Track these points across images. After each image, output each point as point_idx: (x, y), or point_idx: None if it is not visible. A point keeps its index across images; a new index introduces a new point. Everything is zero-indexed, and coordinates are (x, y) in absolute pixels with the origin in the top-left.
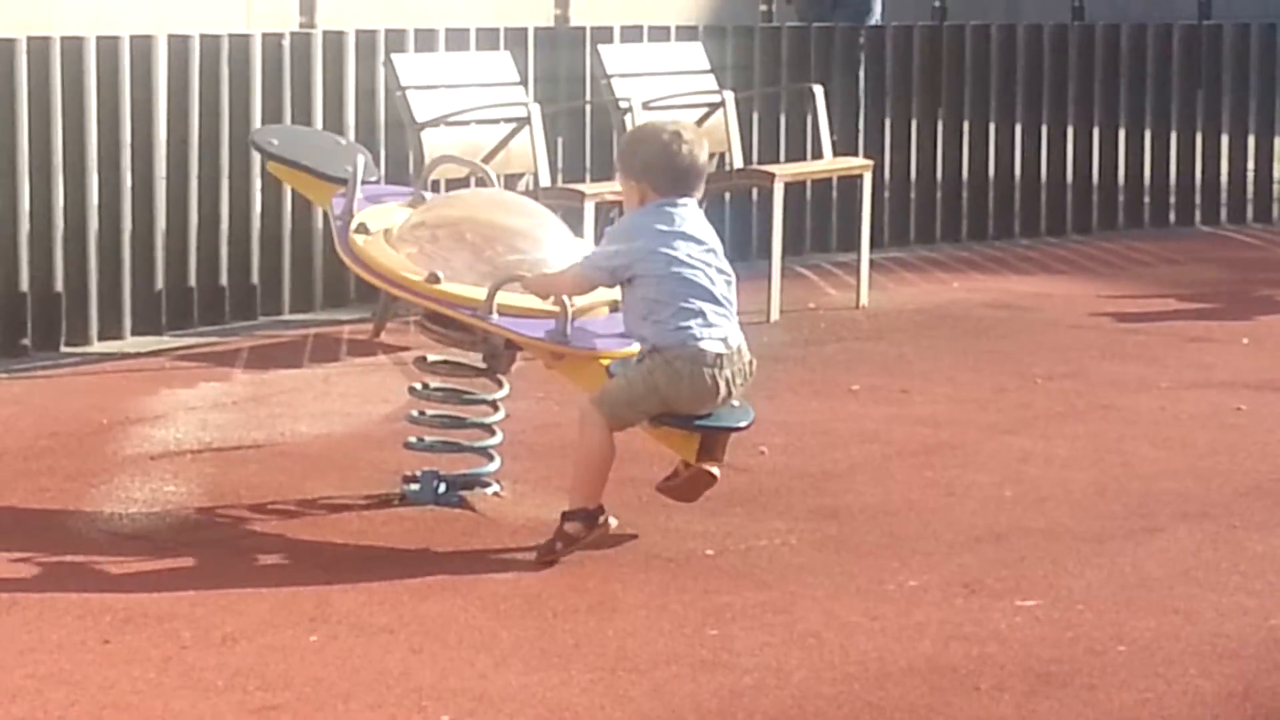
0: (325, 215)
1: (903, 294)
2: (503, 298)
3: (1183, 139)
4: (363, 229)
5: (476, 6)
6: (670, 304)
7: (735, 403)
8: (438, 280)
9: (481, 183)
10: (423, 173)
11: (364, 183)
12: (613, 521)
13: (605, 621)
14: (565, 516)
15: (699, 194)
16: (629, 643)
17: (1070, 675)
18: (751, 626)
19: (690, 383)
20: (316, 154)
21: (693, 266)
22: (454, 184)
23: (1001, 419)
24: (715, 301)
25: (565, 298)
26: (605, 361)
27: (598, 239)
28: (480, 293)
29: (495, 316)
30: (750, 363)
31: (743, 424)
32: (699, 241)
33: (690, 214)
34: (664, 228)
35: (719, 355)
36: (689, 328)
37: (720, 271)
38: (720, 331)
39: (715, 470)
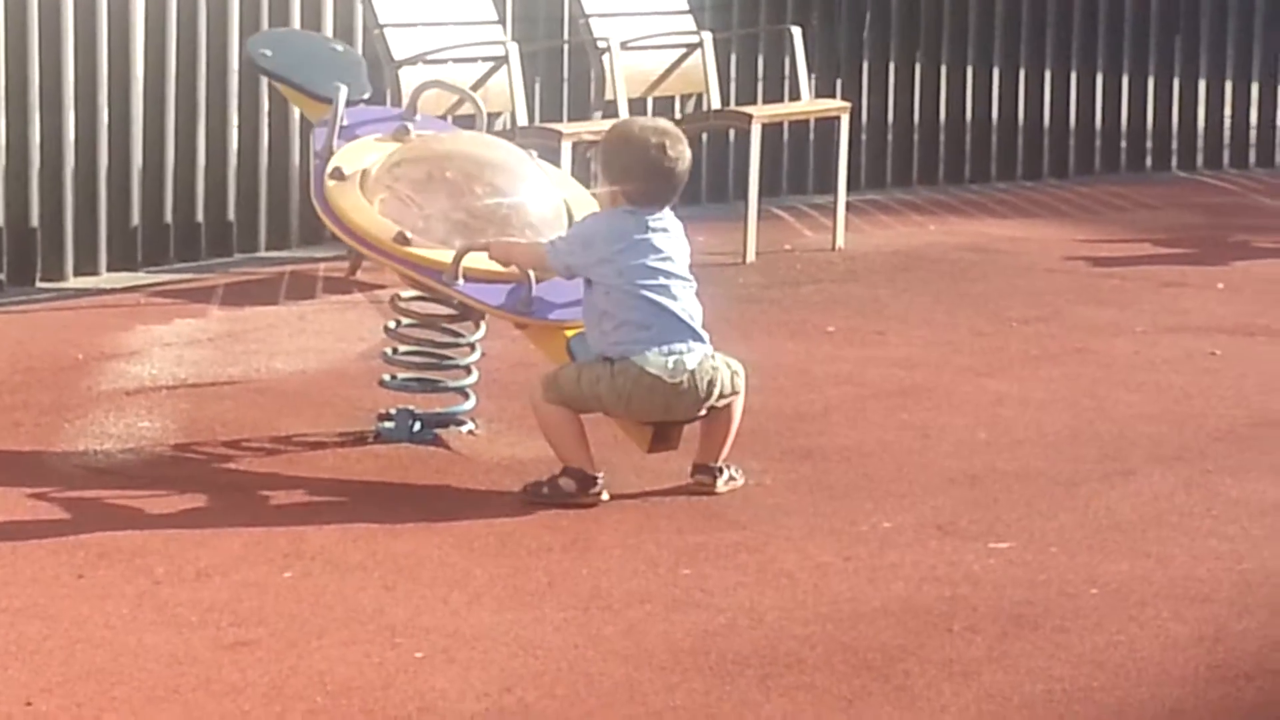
0: (303, 152)
1: (879, 236)
2: (469, 260)
3: (1160, 84)
4: (338, 174)
5: None
6: (617, 316)
7: (698, 414)
8: (406, 241)
9: (470, 125)
10: (408, 100)
11: (353, 103)
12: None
13: (579, 560)
14: (565, 470)
15: (673, 201)
16: (602, 581)
17: (1042, 617)
18: (725, 566)
19: (631, 402)
20: (309, 67)
21: (649, 281)
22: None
23: (976, 362)
24: (670, 319)
25: (529, 274)
26: (569, 332)
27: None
28: (447, 255)
29: (461, 283)
30: (709, 382)
31: (700, 413)
32: (659, 251)
33: (662, 222)
34: (634, 235)
35: (664, 382)
36: (637, 346)
37: (683, 280)
38: (671, 359)
39: (715, 486)
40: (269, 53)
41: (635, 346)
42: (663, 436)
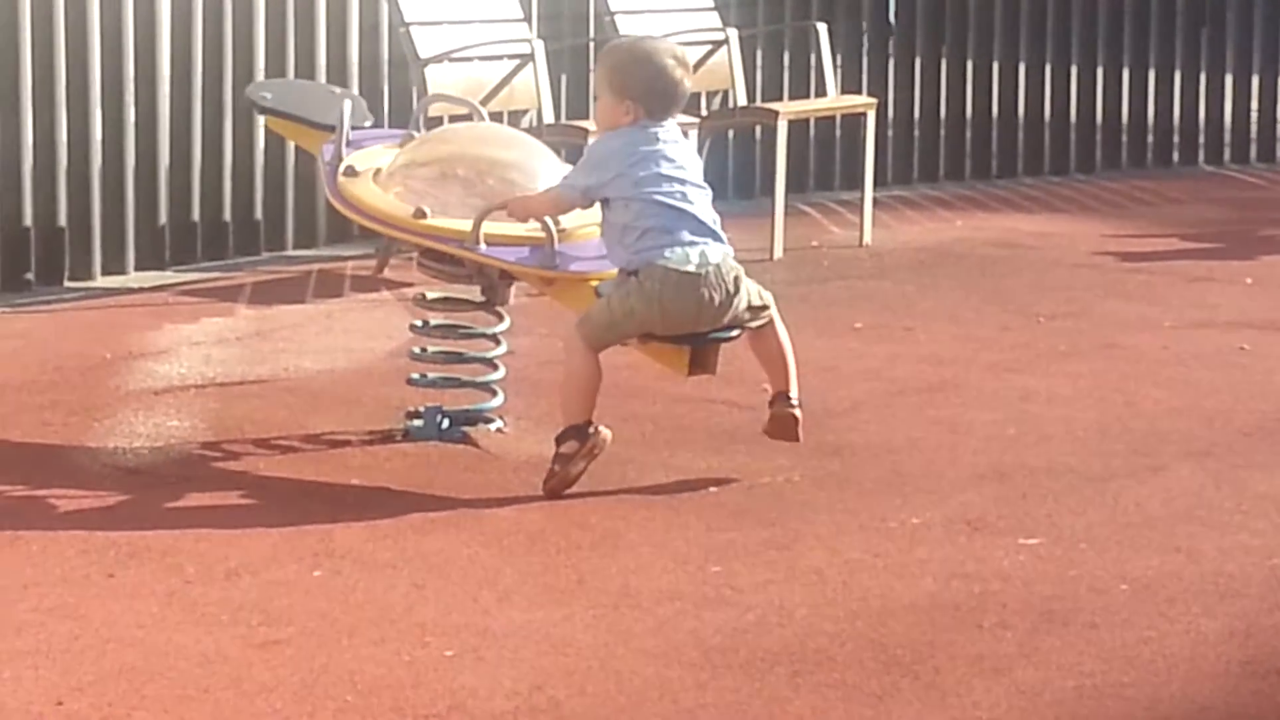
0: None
1: (906, 232)
2: (489, 227)
3: (1187, 78)
4: (350, 171)
5: None
6: (638, 227)
7: (728, 318)
8: (424, 215)
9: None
10: (415, 113)
11: (356, 128)
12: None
13: (608, 558)
14: (558, 440)
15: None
16: (632, 579)
17: (1072, 613)
18: (754, 563)
19: (663, 304)
20: (310, 104)
21: (664, 188)
22: (456, 119)
23: (1004, 357)
24: (690, 220)
25: (549, 222)
26: (594, 283)
27: None
28: (467, 225)
29: (483, 246)
30: (735, 278)
31: (733, 334)
32: (671, 160)
33: (670, 134)
34: (644, 148)
35: (690, 274)
36: (659, 249)
37: (697, 187)
38: (694, 251)
39: (795, 411)
40: (269, 95)
41: (657, 250)
42: (700, 360)
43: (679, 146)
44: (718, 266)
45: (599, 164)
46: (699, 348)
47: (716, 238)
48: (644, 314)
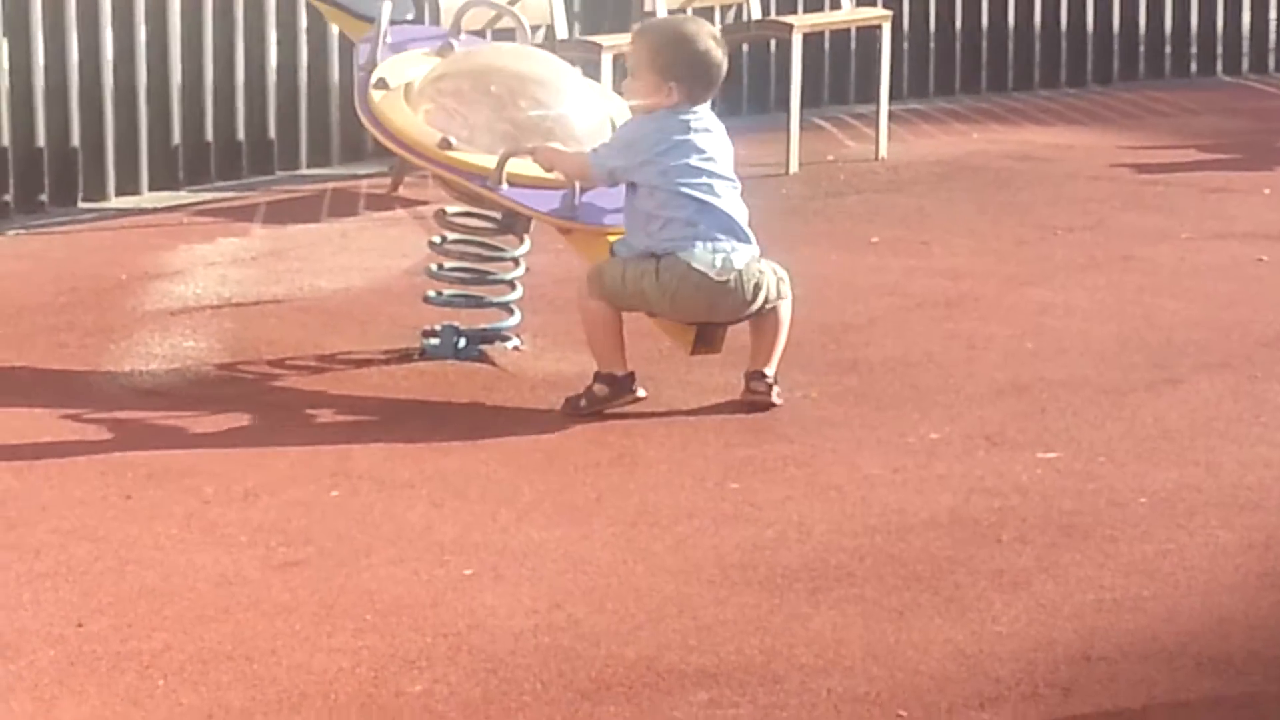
0: (343, 69)
1: (922, 146)
2: (514, 166)
3: None
4: (382, 84)
5: None
6: (662, 217)
7: (740, 317)
8: (450, 146)
9: (510, 36)
10: (453, 19)
11: (396, 23)
12: (641, 392)
13: (626, 476)
14: (596, 376)
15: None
16: (650, 496)
17: (1091, 527)
18: (773, 480)
19: (675, 299)
20: None
21: (692, 180)
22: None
23: (1021, 271)
24: (716, 215)
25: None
26: (612, 237)
27: (615, 87)
28: (491, 160)
29: (505, 187)
30: (755, 285)
31: (743, 315)
32: (702, 151)
33: (703, 122)
34: (677, 136)
35: (710, 279)
36: (684, 242)
37: (726, 180)
38: (719, 255)
39: (771, 395)
40: None
41: (682, 243)
42: (706, 339)
43: (711, 136)
44: (740, 274)
45: (628, 146)
46: (704, 326)
47: (743, 238)
48: (654, 300)
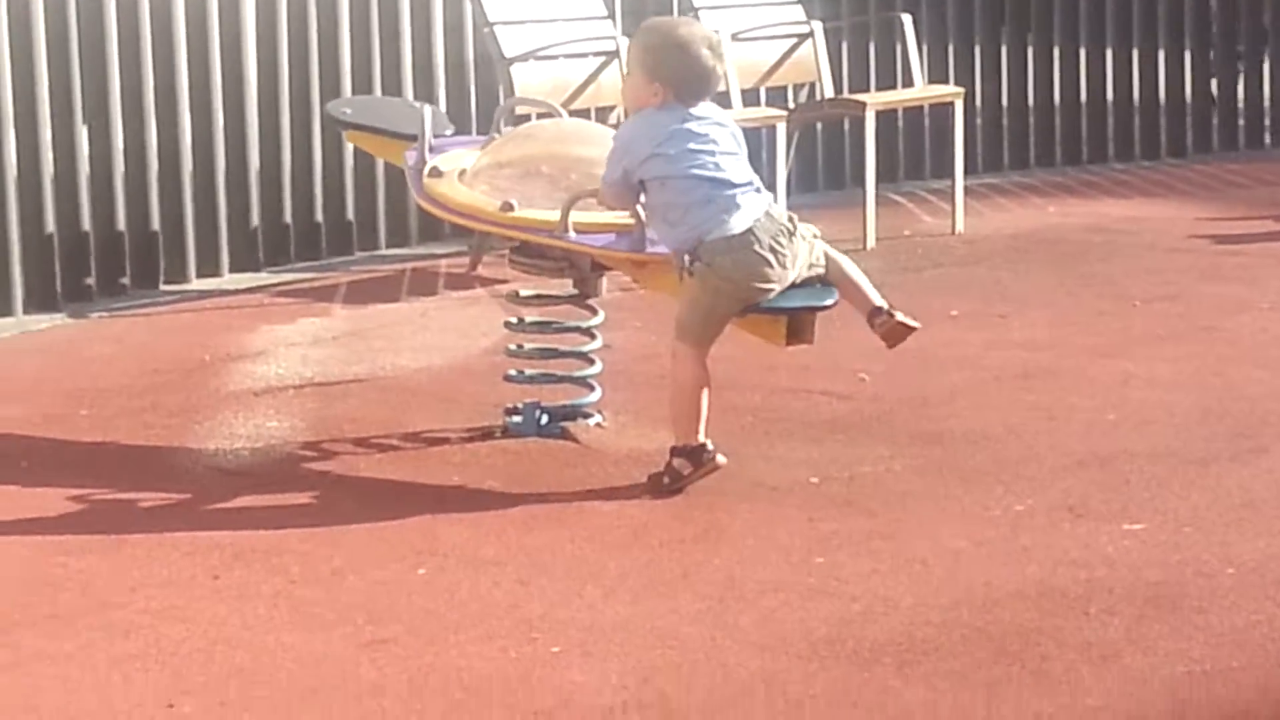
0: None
1: (998, 219)
2: (577, 216)
3: (1276, 59)
4: (435, 172)
5: None
6: (680, 203)
7: (818, 283)
8: (512, 208)
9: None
10: (496, 117)
11: (438, 136)
12: (721, 459)
13: (712, 550)
14: (673, 451)
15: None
16: (736, 571)
17: (1179, 598)
18: (858, 553)
19: (736, 271)
20: (390, 116)
21: (697, 161)
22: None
23: (1101, 342)
24: (725, 185)
25: (639, 208)
26: None
27: None
28: (555, 215)
29: (572, 234)
30: (791, 218)
31: (827, 302)
32: (699, 135)
33: (700, 113)
34: (673, 126)
35: (746, 232)
36: (705, 222)
37: (728, 154)
38: (738, 210)
39: (897, 318)
40: (349, 111)
41: (707, 223)
42: (796, 330)
43: (709, 123)
44: (766, 214)
45: (627, 148)
46: (795, 316)
47: (753, 191)
48: (728, 289)
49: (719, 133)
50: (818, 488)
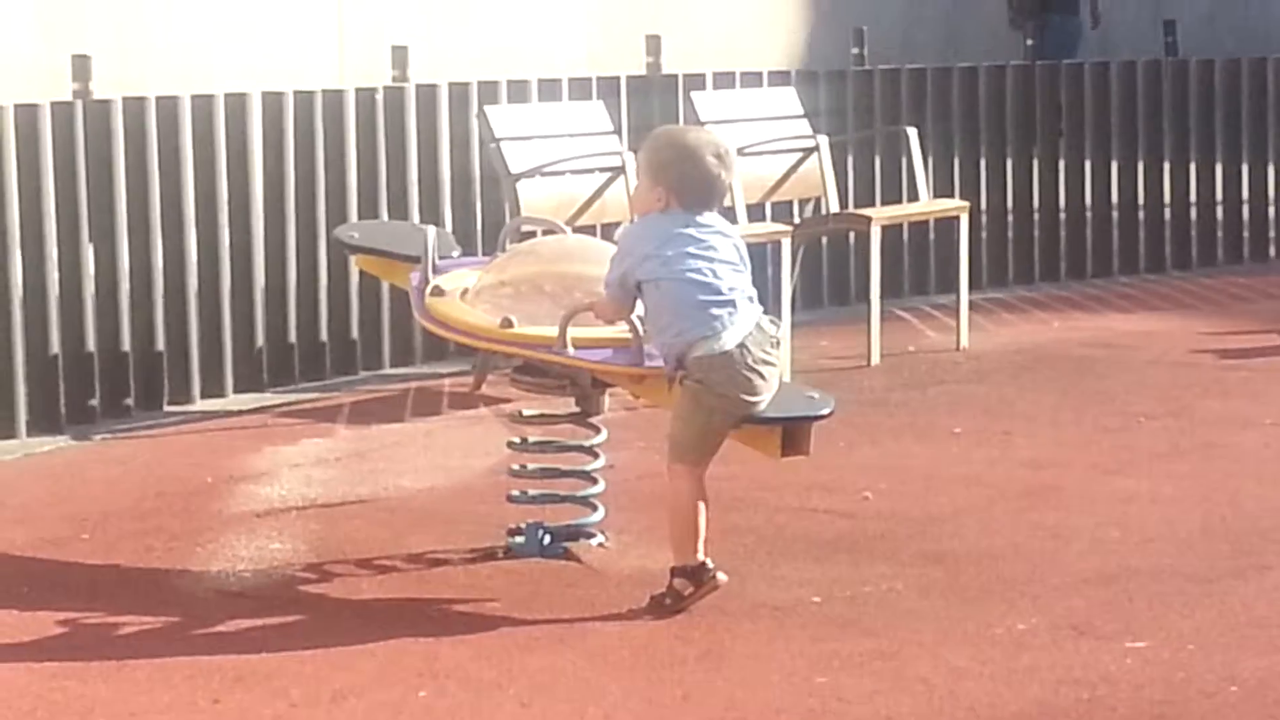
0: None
1: (1003, 335)
2: (575, 332)
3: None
4: (437, 291)
5: (569, 56)
6: (672, 307)
7: (814, 394)
8: (511, 325)
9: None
10: (501, 236)
11: (443, 257)
12: (722, 577)
13: (713, 671)
14: (673, 572)
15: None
16: (738, 692)
17: (1182, 717)
18: (860, 674)
19: (729, 388)
20: (396, 239)
21: (692, 265)
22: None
23: (1105, 459)
24: (718, 292)
25: (636, 321)
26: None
27: None
28: (553, 331)
29: (570, 350)
30: (773, 320)
31: (824, 412)
32: (700, 240)
33: (704, 220)
34: (675, 230)
35: (738, 347)
36: (696, 327)
37: (726, 263)
38: (731, 322)
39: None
40: (356, 234)
41: (696, 329)
42: (792, 441)
43: (711, 230)
44: (758, 328)
45: (628, 250)
46: (790, 428)
47: (746, 301)
48: (718, 403)
49: (720, 242)
50: (820, 607)
